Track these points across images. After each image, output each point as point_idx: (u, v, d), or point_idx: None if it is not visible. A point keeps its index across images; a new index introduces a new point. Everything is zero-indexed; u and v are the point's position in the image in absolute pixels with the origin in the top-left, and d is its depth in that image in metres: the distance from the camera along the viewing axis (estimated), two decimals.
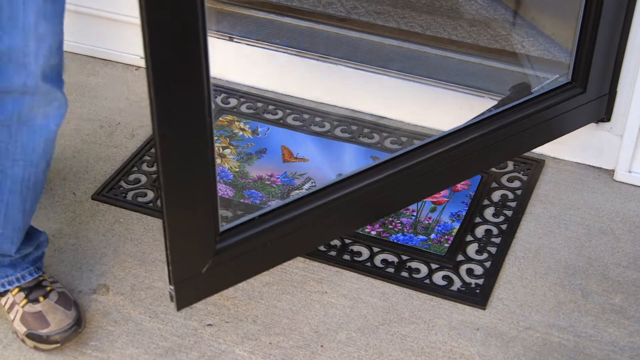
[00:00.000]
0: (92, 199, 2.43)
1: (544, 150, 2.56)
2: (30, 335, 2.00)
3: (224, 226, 1.88)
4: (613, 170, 2.50)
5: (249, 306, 2.14)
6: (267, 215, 1.97)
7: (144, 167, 2.53)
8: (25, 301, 2.02)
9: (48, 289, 2.04)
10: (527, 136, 2.34)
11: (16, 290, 2.03)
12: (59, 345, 1.99)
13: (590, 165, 2.54)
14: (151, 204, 2.41)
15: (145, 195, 2.44)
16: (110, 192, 2.45)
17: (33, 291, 2.02)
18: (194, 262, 1.85)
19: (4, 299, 2.05)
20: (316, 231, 2.08)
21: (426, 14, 2.99)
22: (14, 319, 2.03)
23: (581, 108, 2.39)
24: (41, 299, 2.02)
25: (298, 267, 2.23)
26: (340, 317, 2.11)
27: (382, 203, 2.17)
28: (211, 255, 1.87)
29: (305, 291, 2.18)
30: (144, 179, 2.49)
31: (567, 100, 2.34)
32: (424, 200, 2.41)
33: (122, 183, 2.48)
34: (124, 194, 2.44)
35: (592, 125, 2.48)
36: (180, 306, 1.89)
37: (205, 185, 1.76)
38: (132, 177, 2.50)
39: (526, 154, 2.57)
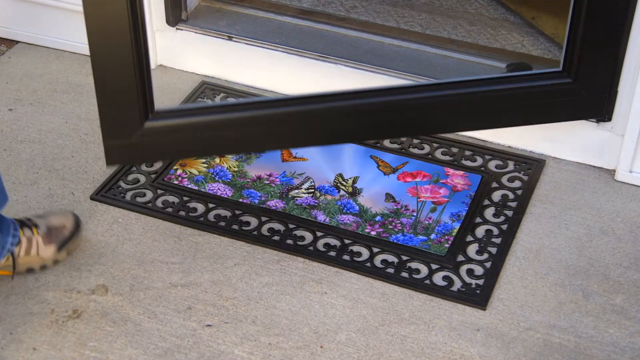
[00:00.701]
0: (91, 199, 2.43)
1: (545, 150, 2.56)
2: (61, 245, 2.21)
3: (159, 107, 2.23)
4: (614, 170, 2.50)
5: (248, 307, 2.13)
6: (202, 110, 2.29)
7: (143, 167, 2.53)
8: (35, 231, 2.18)
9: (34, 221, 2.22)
10: (505, 111, 2.37)
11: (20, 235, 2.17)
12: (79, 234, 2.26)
13: (591, 165, 2.54)
14: (150, 204, 2.41)
15: (144, 195, 2.44)
16: (109, 192, 2.44)
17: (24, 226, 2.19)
18: (124, 129, 2.21)
19: (17, 249, 2.16)
20: (249, 136, 2.30)
21: (426, 13, 2.99)
22: (37, 250, 2.18)
23: (571, 100, 2.38)
24: (38, 221, 2.22)
25: (297, 268, 2.23)
26: (339, 318, 2.11)
27: (321, 130, 2.35)
28: (139, 127, 2.20)
29: (305, 292, 2.17)
30: (142, 179, 2.49)
31: (554, 86, 2.35)
32: (423, 201, 2.41)
33: (121, 183, 2.48)
34: (122, 194, 2.44)
35: (593, 125, 2.48)
36: (108, 162, 2.26)
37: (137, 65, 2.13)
38: (131, 177, 2.50)
39: (526, 154, 2.57)
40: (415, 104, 2.32)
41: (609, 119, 2.45)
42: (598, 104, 2.41)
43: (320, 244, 2.29)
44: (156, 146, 2.27)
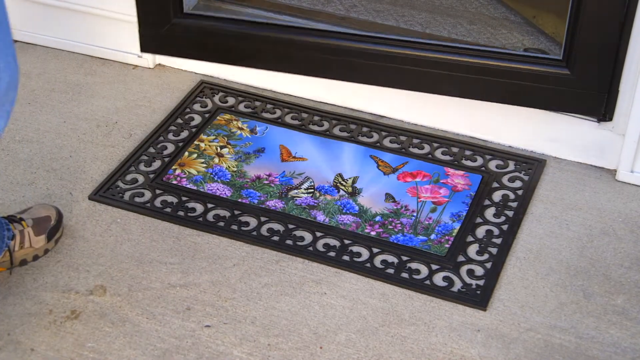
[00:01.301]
0: (89, 199, 2.42)
1: (546, 149, 2.56)
2: (50, 234, 2.25)
3: (190, 10, 2.76)
4: (615, 170, 2.50)
5: (248, 307, 2.13)
6: (223, 20, 2.71)
7: (141, 167, 2.53)
8: (24, 224, 2.21)
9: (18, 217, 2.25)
10: (496, 86, 2.47)
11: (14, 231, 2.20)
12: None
13: (592, 165, 2.54)
14: (148, 204, 2.40)
15: (142, 195, 2.44)
16: (107, 192, 2.44)
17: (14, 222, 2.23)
18: (157, 22, 2.71)
19: (12, 243, 2.18)
20: (269, 54, 2.68)
21: (425, 12, 2.99)
22: (30, 242, 2.21)
23: (566, 92, 2.42)
24: (24, 215, 2.25)
25: (297, 268, 2.23)
26: (339, 319, 2.11)
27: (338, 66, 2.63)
28: (169, 22, 2.70)
29: (304, 292, 2.17)
30: (141, 179, 2.49)
31: (550, 73, 2.42)
32: (423, 201, 2.41)
33: (119, 183, 2.47)
34: (121, 194, 2.44)
35: (594, 124, 2.48)
36: (142, 49, 2.79)
37: None
38: (129, 177, 2.50)
39: (527, 153, 2.57)
40: (413, 60, 2.53)
41: (610, 119, 2.45)
42: (595, 101, 2.41)
43: (319, 245, 2.29)
44: (182, 41, 2.73)
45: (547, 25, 2.87)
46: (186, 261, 2.25)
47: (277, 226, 2.34)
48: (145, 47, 2.78)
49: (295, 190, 2.44)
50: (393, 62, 2.55)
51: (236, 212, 2.38)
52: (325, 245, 2.29)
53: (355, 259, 2.25)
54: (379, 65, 2.56)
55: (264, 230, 2.33)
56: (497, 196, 2.44)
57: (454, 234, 2.32)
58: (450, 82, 2.53)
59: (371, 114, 2.72)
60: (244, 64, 2.74)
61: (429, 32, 2.86)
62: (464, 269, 2.23)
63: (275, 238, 2.31)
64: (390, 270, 2.22)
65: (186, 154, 2.56)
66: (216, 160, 2.54)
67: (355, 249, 2.28)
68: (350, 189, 2.45)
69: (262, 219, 2.36)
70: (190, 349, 2.03)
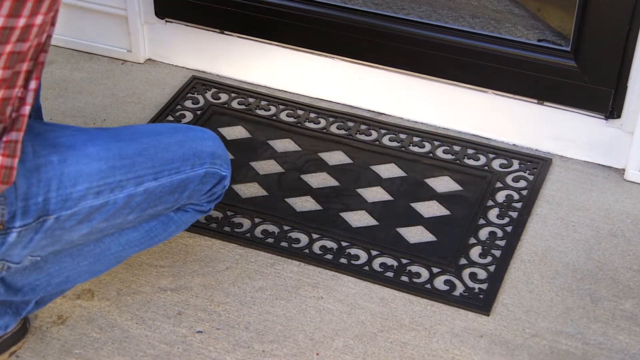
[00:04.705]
0: None
1: (551, 148, 2.56)
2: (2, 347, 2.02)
3: None
4: (623, 170, 2.50)
5: (241, 312, 2.13)
6: None
7: None
8: None
9: None
10: (500, 73, 2.51)
11: None
12: None
13: (599, 164, 2.54)
14: None
15: None
16: None
17: None
18: None
19: None
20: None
21: (426, 4, 2.99)
22: None
23: (571, 85, 2.44)
24: None
25: (292, 271, 2.23)
26: (336, 324, 2.11)
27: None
28: None
29: (300, 296, 2.17)
30: None
31: (556, 64, 2.44)
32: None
33: None
34: None
35: (602, 122, 2.48)
36: (158, 14, 2.82)
37: None
38: None
39: (532, 152, 2.57)
40: (412, 40, 2.59)
41: (618, 116, 2.45)
42: (602, 97, 2.42)
43: (316, 247, 2.29)
44: (202, 8, 2.76)
45: (553, 19, 2.87)
46: (177, 264, 2.25)
47: (271, 228, 2.34)
48: (161, 12, 2.82)
49: None
50: (394, 41, 2.60)
51: (229, 213, 2.38)
52: (322, 247, 2.29)
53: (353, 262, 2.25)
54: (375, 43, 2.62)
55: (258, 232, 2.33)
56: (500, 196, 2.44)
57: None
58: (455, 66, 2.56)
59: (370, 110, 2.72)
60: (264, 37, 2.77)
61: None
62: (466, 272, 2.23)
63: (270, 240, 2.31)
64: (390, 274, 2.22)
65: None
66: None
67: (353, 251, 2.28)
68: None
69: (256, 220, 2.36)
70: (182, 356, 2.03)
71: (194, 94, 2.78)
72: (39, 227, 1.76)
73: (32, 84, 1.67)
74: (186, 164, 1.92)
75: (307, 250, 2.28)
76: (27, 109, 1.66)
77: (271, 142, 2.62)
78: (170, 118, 2.68)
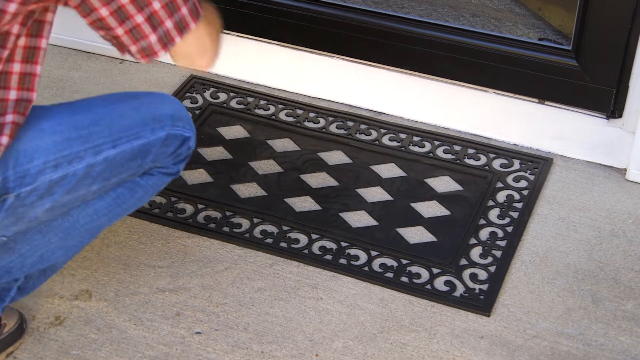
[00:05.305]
0: None
1: (552, 147, 2.56)
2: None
3: None
4: (625, 169, 2.50)
5: (240, 313, 2.13)
6: None
7: None
8: None
9: None
10: (501, 72, 2.51)
11: None
12: None
13: (600, 164, 2.54)
14: None
15: None
16: None
17: None
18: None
19: None
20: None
21: (426, 3, 2.99)
22: None
23: (574, 84, 2.44)
24: None
25: (292, 272, 2.23)
26: (336, 325, 2.11)
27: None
28: None
29: (299, 297, 2.17)
30: None
31: (558, 63, 2.44)
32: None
33: None
34: None
35: (603, 121, 2.48)
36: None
37: None
38: None
39: (533, 152, 2.57)
40: (416, 39, 2.59)
41: (620, 115, 2.45)
42: (603, 96, 2.42)
43: (315, 247, 2.29)
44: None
45: (554, 18, 2.87)
46: (175, 265, 2.25)
47: (270, 228, 2.34)
48: None
49: None
50: (395, 40, 2.60)
51: (228, 214, 2.38)
52: (322, 247, 2.29)
53: (353, 263, 2.25)
54: (375, 42, 2.62)
55: (257, 232, 2.33)
56: (501, 196, 2.43)
57: None
58: (456, 65, 2.56)
59: (369, 110, 2.72)
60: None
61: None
62: (466, 273, 2.23)
63: (269, 240, 2.31)
64: (390, 274, 2.22)
65: None
66: None
67: (352, 252, 2.28)
68: None
69: (255, 220, 2.36)
70: (180, 357, 2.03)
71: (192, 93, 2.78)
72: (0, 207, 1.76)
73: None
74: (145, 129, 1.89)
75: (306, 251, 2.28)
76: None
77: (270, 142, 2.62)
78: None
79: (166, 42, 1.74)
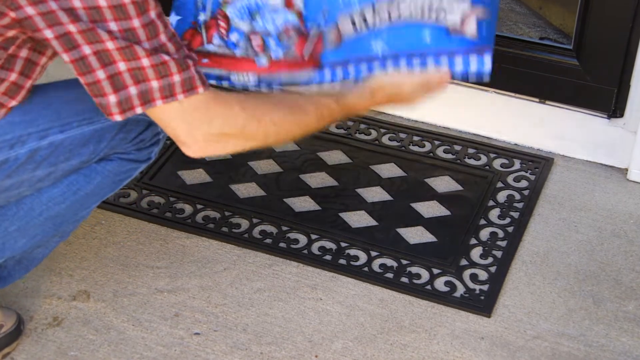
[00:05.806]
0: None
1: (553, 147, 2.56)
2: None
3: None
4: (626, 169, 2.50)
5: (239, 314, 2.13)
6: None
7: None
8: None
9: None
10: (499, 72, 2.45)
11: None
12: None
13: (602, 164, 2.53)
14: (134, 205, 2.40)
15: (128, 195, 2.43)
16: None
17: None
18: None
19: None
20: None
21: None
22: None
23: (575, 84, 2.44)
24: None
25: (291, 273, 2.23)
26: (335, 326, 2.10)
27: None
28: None
29: (299, 298, 2.17)
30: None
31: (558, 62, 2.44)
32: None
33: None
34: None
35: (604, 121, 2.48)
36: None
37: None
38: None
39: (534, 151, 2.57)
40: None
41: (621, 115, 2.45)
42: (604, 95, 2.42)
43: (315, 247, 2.29)
44: None
45: (554, 17, 2.87)
46: (174, 265, 2.25)
47: (270, 228, 2.34)
48: None
49: None
50: None
51: (227, 214, 2.37)
52: (321, 248, 2.29)
53: (352, 263, 2.25)
54: None
55: (256, 232, 2.33)
56: (501, 197, 2.43)
57: None
58: None
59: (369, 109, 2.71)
60: None
61: None
62: (466, 274, 2.23)
63: (268, 241, 2.31)
64: (389, 275, 2.22)
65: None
66: None
67: (352, 252, 2.28)
68: None
69: (254, 220, 2.36)
70: (179, 358, 2.03)
71: None
72: None
73: None
74: (100, 114, 1.75)
75: (305, 251, 2.28)
76: None
77: None
78: None
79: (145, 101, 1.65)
